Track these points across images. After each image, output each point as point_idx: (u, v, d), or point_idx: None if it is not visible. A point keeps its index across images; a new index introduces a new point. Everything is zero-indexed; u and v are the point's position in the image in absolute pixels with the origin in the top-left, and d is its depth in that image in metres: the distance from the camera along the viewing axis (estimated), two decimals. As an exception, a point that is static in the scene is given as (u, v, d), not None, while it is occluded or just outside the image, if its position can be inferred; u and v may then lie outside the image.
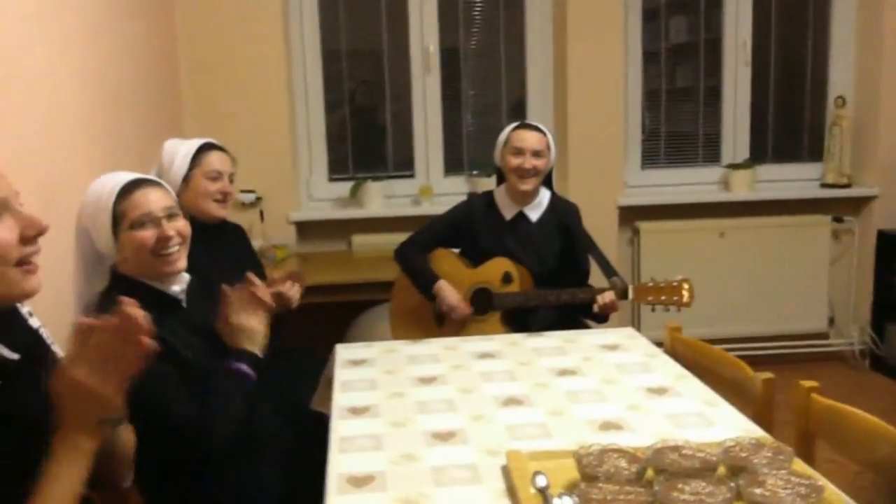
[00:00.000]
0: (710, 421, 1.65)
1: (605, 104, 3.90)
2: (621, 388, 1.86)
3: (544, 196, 2.76)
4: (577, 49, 3.85)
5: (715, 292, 3.82)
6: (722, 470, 1.34)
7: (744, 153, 4.18)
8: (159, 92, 3.36)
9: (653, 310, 2.43)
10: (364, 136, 4.20)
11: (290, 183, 3.88)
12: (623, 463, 1.36)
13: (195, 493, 1.76)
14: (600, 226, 3.68)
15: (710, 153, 4.24)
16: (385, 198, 4.01)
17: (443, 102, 4.06)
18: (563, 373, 1.97)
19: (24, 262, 1.14)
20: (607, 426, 1.64)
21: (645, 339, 2.23)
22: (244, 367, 1.72)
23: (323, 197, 4.05)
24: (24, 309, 1.33)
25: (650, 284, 2.43)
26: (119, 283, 1.73)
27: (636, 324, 3.98)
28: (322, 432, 2.07)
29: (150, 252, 1.70)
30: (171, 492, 1.78)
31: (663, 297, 2.40)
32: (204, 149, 2.41)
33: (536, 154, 2.64)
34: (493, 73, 4.16)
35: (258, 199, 3.77)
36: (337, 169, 4.10)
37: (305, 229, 3.94)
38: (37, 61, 2.08)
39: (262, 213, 3.76)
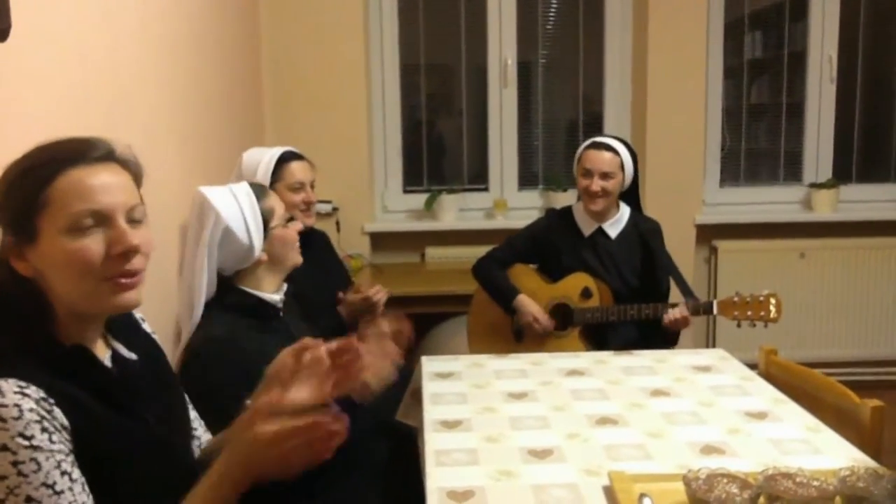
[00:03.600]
0: (816, 448, 1.60)
1: (685, 120, 3.85)
2: (719, 410, 1.82)
3: (624, 212, 2.73)
4: (658, 63, 3.81)
5: (795, 314, 3.73)
6: (838, 501, 1.30)
7: (827, 172, 4.07)
8: (244, 102, 3.43)
9: (738, 325, 2.37)
10: (439, 149, 4.22)
11: (365, 194, 3.92)
12: (734, 489, 1.33)
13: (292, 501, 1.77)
14: (677, 243, 3.60)
15: (792, 172, 4.15)
16: (459, 211, 4.01)
17: (519, 116, 4.06)
18: (657, 393, 1.93)
19: (112, 278, 1.12)
20: (709, 450, 1.61)
21: (737, 361, 2.18)
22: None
23: (397, 209, 4.08)
24: (137, 315, 1.36)
25: (735, 299, 2.37)
26: (227, 292, 1.77)
27: (711, 344, 3.90)
28: (408, 444, 2.09)
29: (294, 245, 1.85)
30: (267, 494, 1.80)
31: (749, 313, 2.34)
32: (284, 160, 2.43)
33: (605, 175, 2.58)
34: (570, 87, 4.14)
35: (335, 209, 3.81)
36: (412, 181, 4.13)
37: (380, 240, 3.97)
38: (135, 86, 2.14)
39: (338, 223, 3.80)
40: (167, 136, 2.35)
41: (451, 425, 1.76)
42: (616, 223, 2.71)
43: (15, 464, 0.97)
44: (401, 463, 2.00)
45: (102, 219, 1.10)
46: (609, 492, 1.42)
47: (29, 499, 0.98)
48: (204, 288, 1.77)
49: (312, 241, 2.57)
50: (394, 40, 3.97)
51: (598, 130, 4.06)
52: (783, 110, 4.13)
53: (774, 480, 1.35)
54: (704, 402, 1.87)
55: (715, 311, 2.41)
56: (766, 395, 1.91)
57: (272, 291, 1.81)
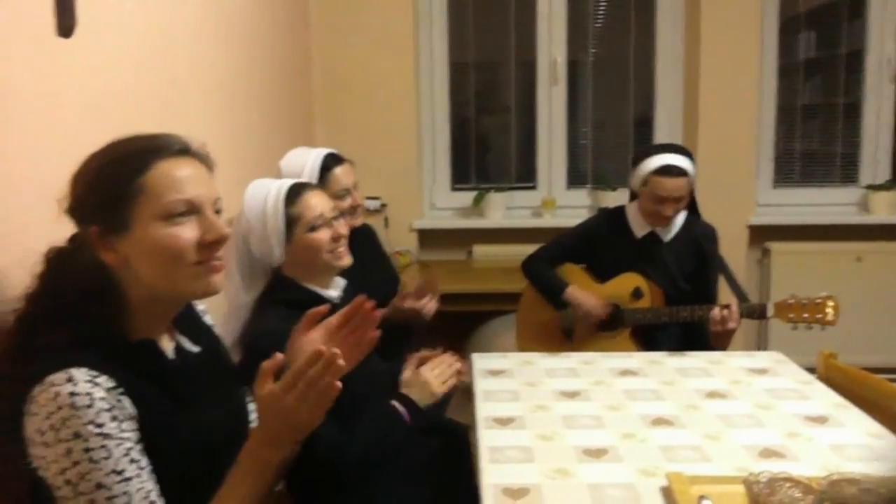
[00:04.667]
0: (879, 455, 1.57)
1: (738, 120, 3.79)
2: (777, 414, 1.79)
3: (679, 216, 2.66)
4: (710, 62, 3.76)
5: (851, 319, 3.63)
6: (908, 508, 1.27)
7: (885, 174, 3.98)
8: (293, 101, 3.47)
9: (794, 328, 2.32)
10: (487, 147, 4.22)
11: (413, 191, 3.94)
12: (797, 493, 1.31)
13: (342, 498, 1.78)
14: (728, 245, 3.54)
15: (847, 173, 4.06)
16: (507, 209, 4.01)
17: (567, 115, 4.03)
18: (713, 395, 1.91)
19: (203, 262, 1.16)
20: (768, 454, 1.58)
21: (794, 364, 2.14)
22: (404, 412, 1.70)
23: (445, 206, 4.09)
24: (199, 307, 1.39)
25: (791, 301, 2.31)
26: (280, 284, 1.78)
27: (762, 348, 3.84)
28: (458, 440, 2.09)
29: (326, 251, 1.75)
30: (319, 497, 1.82)
31: (805, 315, 2.28)
32: (326, 168, 2.39)
33: (678, 200, 2.53)
34: (621, 86, 4.10)
35: (383, 205, 3.84)
36: (460, 179, 4.14)
37: (427, 237, 3.99)
38: (189, 83, 2.17)
39: (386, 220, 3.82)
40: (220, 134, 2.39)
41: (503, 422, 1.76)
42: (671, 227, 2.65)
43: (87, 450, 1.00)
44: (450, 458, 2.01)
45: (193, 208, 1.14)
46: (667, 493, 1.40)
47: (99, 485, 1.00)
48: (236, 279, 1.79)
49: (358, 237, 2.56)
50: (443, 38, 3.98)
51: (649, 130, 4.02)
52: (840, 110, 4.04)
53: (839, 486, 1.32)
54: (762, 405, 1.84)
55: (770, 313, 2.36)
56: (826, 399, 1.88)
57: (325, 288, 1.82)
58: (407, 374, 1.79)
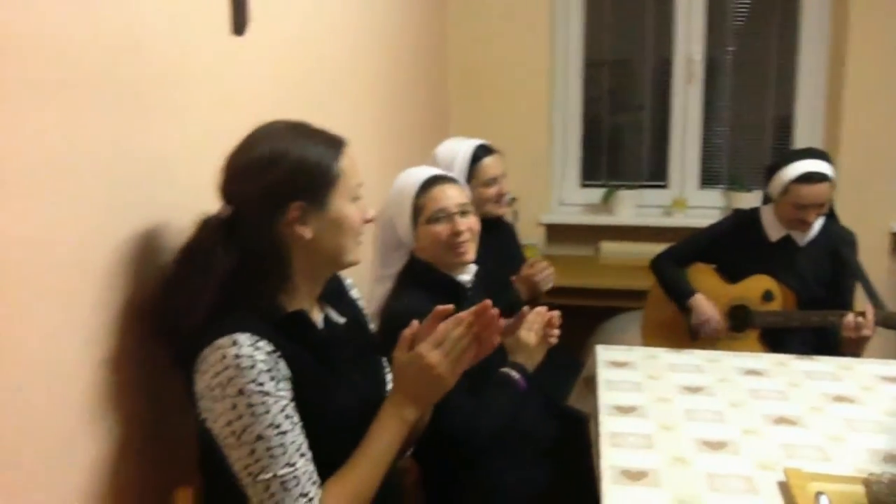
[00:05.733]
0: None
1: (884, 122, 3.64)
2: (907, 421, 1.77)
3: (818, 221, 2.61)
4: (858, 60, 3.62)
5: None
6: None
7: None
8: (432, 96, 3.63)
9: None
10: (619, 145, 4.24)
11: (543, 186, 4.01)
12: (919, 496, 1.32)
13: (466, 477, 1.90)
14: (869, 251, 3.41)
15: None
16: (636, 207, 4.01)
17: (703, 114, 3.99)
18: (840, 399, 1.90)
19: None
20: (893, 459, 1.58)
21: (932, 374, 2.09)
22: (519, 379, 1.83)
23: (574, 202, 4.14)
24: (347, 280, 1.53)
25: None
26: (415, 266, 1.92)
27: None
28: (578, 428, 2.17)
29: (444, 244, 1.86)
30: (445, 470, 1.95)
31: None
32: (477, 157, 2.53)
33: (820, 206, 2.49)
34: (760, 86, 4.01)
35: (513, 199, 3.93)
36: (590, 175, 4.18)
37: (555, 232, 4.06)
38: (343, 79, 2.35)
39: (515, 213, 3.92)
40: (365, 127, 2.56)
41: (625, 410, 1.83)
42: (808, 231, 2.60)
43: (249, 406, 1.15)
44: (570, 445, 2.09)
45: (360, 192, 1.35)
46: (784, 488, 1.44)
47: (259, 437, 1.15)
48: (378, 253, 1.96)
49: (499, 231, 2.69)
50: (579, 35, 4.02)
51: (788, 130, 3.92)
52: None
53: (965, 493, 1.32)
54: (891, 412, 1.82)
55: None
56: (962, 410, 1.83)
57: (456, 272, 1.94)
58: (507, 341, 1.88)
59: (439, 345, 1.27)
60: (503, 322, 1.35)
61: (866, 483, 1.36)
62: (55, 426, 1.11)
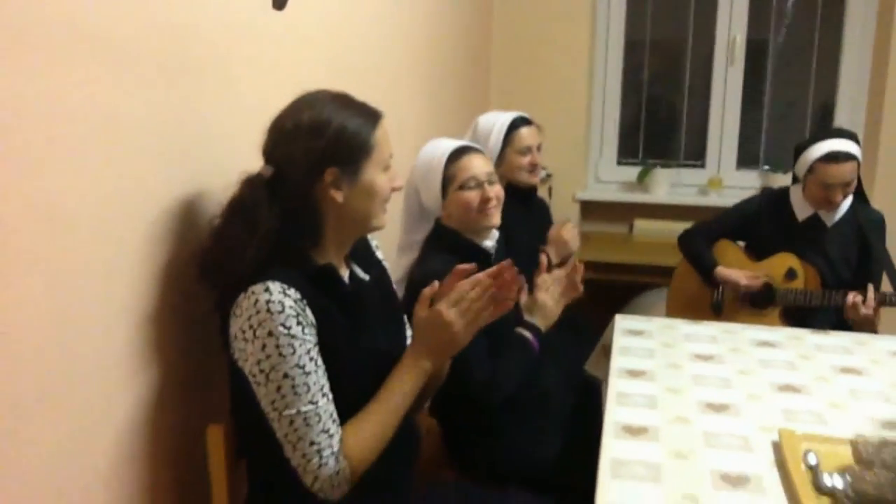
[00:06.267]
0: None
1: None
2: (911, 393, 1.82)
3: (845, 202, 2.63)
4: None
5: None
6: None
7: None
8: (473, 70, 3.70)
9: None
10: (657, 124, 4.27)
11: (580, 163, 4.07)
12: (903, 456, 1.37)
13: (486, 436, 2.01)
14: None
15: None
16: (672, 185, 4.05)
17: (743, 95, 4.00)
18: (847, 370, 1.95)
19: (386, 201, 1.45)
20: (890, 425, 1.63)
21: (945, 352, 2.12)
22: (532, 339, 1.94)
23: (610, 179, 4.20)
24: (373, 242, 1.64)
25: None
26: (441, 232, 2.02)
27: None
28: (593, 394, 2.26)
29: (474, 210, 1.96)
30: (464, 428, 2.06)
31: None
32: (514, 126, 2.64)
33: (847, 185, 2.52)
34: (802, 70, 4.00)
35: (549, 175, 4.00)
36: (627, 153, 4.22)
37: (590, 209, 4.12)
38: (382, 53, 2.44)
39: (550, 189, 3.99)
40: (406, 100, 2.66)
41: (635, 374, 1.91)
42: (835, 212, 2.63)
43: (277, 346, 1.26)
44: (585, 410, 2.18)
45: (390, 161, 1.43)
46: (776, 447, 1.51)
47: (285, 375, 1.27)
48: (405, 220, 2.07)
49: (533, 204, 2.77)
50: (621, 15, 4.06)
51: (830, 115, 3.91)
52: None
53: (948, 454, 1.37)
54: (897, 384, 1.87)
55: None
56: (967, 385, 1.87)
57: (480, 239, 2.03)
58: (524, 300, 1.99)
59: (457, 304, 1.39)
60: (522, 280, 1.45)
61: (854, 443, 1.42)
62: (97, 379, 1.22)
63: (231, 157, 1.53)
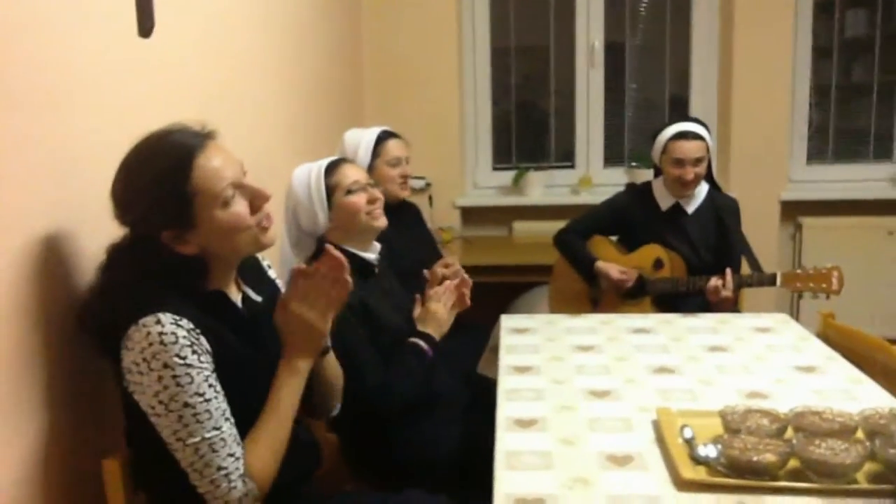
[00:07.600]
0: (853, 396, 1.74)
1: (771, 99, 3.92)
2: (770, 364, 1.97)
3: (702, 189, 2.83)
4: (744, 43, 3.90)
5: (884, 291, 3.75)
6: (860, 434, 1.45)
7: (919, 150, 4.05)
8: (346, 87, 3.73)
9: (800, 296, 2.49)
10: (527, 128, 4.42)
11: (457, 171, 4.17)
12: (765, 421, 1.50)
13: (381, 441, 2.04)
14: (761, 219, 3.72)
15: (882, 150, 4.14)
16: (546, 187, 4.20)
17: (605, 96, 4.20)
18: (715, 349, 2.10)
19: (259, 223, 1.41)
20: (754, 395, 1.77)
21: (798, 324, 2.31)
22: (426, 347, 1.98)
23: (487, 185, 4.31)
24: (265, 262, 1.65)
25: (799, 271, 2.51)
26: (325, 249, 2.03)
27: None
28: (486, 394, 2.32)
29: (363, 213, 2.00)
30: (360, 436, 2.07)
31: (811, 284, 2.47)
32: (382, 139, 2.69)
33: (697, 162, 2.70)
34: (657, 67, 4.25)
35: (428, 184, 4.07)
36: (501, 159, 4.36)
37: (470, 214, 4.22)
38: (253, 76, 2.43)
39: (430, 198, 4.06)
40: (275, 122, 2.65)
41: (522, 370, 1.99)
42: (694, 199, 2.82)
43: (174, 377, 1.24)
44: (479, 409, 2.24)
45: (237, 185, 1.37)
46: (655, 425, 1.61)
47: (186, 404, 1.25)
48: (288, 249, 2.07)
49: (404, 212, 2.83)
50: (485, 23, 4.18)
51: (685, 109, 4.16)
52: (874, 89, 4.12)
53: (802, 416, 1.51)
54: (758, 356, 2.03)
55: (779, 282, 2.54)
56: (818, 352, 2.05)
57: (364, 251, 2.07)
58: (417, 311, 2.05)
59: (304, 298, 1.41)
60: (342, 260, 1.43)
61: (722, 415, 1.54)
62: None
63: (99, 188, 1.49)
